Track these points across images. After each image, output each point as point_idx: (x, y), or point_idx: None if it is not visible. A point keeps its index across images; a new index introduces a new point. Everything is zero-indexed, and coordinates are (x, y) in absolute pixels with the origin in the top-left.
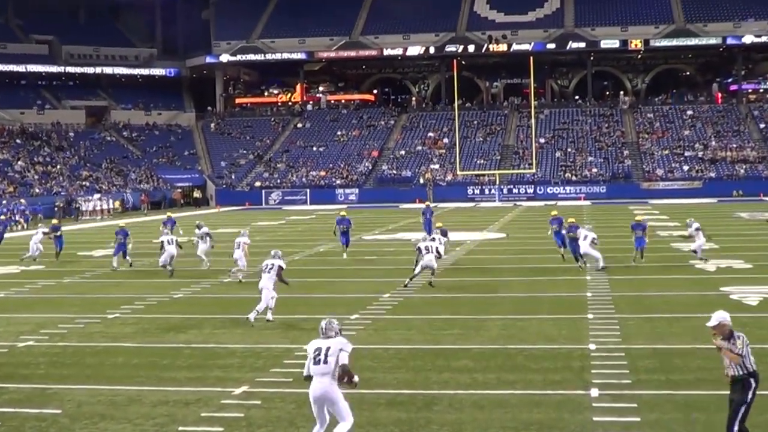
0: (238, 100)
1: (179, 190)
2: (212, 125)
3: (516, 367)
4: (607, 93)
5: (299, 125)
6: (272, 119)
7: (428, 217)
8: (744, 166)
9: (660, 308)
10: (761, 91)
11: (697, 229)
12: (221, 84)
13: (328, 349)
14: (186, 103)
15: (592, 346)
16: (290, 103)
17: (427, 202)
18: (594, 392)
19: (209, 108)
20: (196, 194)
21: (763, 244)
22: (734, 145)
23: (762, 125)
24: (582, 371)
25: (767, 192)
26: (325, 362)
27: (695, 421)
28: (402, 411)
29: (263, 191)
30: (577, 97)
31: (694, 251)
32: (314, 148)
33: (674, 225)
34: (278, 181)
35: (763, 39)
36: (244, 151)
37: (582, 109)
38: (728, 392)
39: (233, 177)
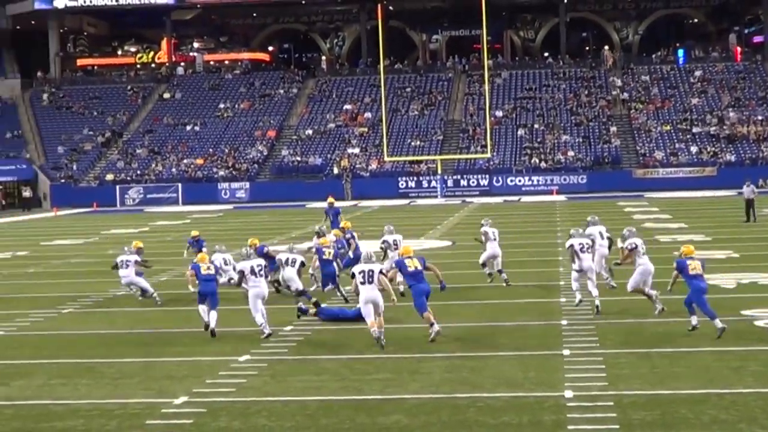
0: (80, 62)
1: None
2: (45, 96)
3: (466, 424)
4: (588, 48)
5: (166, 95)
6: (129, 87)
7: (332, 219)
8: None
9: (660, 340)
10: None
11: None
12: (57, 40)
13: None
14: (7, 65)
15: (569, 393)
16: (154, 66)
17: (330, 199)
18: None
19: (40, 73)
20: (25, 193)
21: None
22: (759, 118)
23: None
24: (556, 427)
25: None
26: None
27: None
28: None
29: (117, 187)
30: (546, 55)
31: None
32: (188, 128)
33: (678, 227)
34: (138, 173)
35: None
36: (91, 132)
37: (553, 70)
38: None
39: (75, 168)
